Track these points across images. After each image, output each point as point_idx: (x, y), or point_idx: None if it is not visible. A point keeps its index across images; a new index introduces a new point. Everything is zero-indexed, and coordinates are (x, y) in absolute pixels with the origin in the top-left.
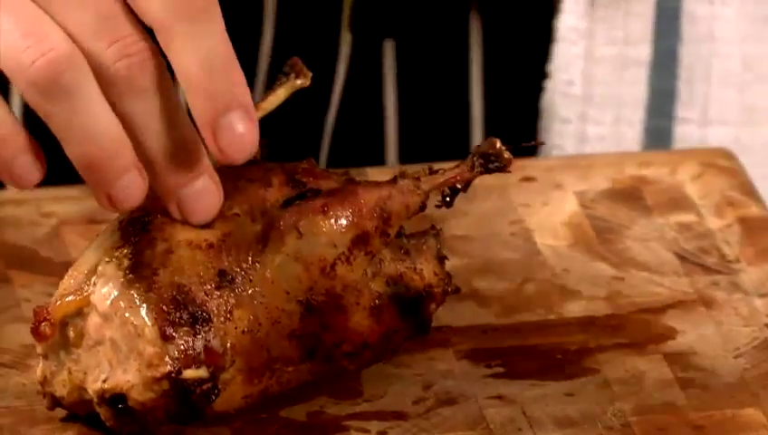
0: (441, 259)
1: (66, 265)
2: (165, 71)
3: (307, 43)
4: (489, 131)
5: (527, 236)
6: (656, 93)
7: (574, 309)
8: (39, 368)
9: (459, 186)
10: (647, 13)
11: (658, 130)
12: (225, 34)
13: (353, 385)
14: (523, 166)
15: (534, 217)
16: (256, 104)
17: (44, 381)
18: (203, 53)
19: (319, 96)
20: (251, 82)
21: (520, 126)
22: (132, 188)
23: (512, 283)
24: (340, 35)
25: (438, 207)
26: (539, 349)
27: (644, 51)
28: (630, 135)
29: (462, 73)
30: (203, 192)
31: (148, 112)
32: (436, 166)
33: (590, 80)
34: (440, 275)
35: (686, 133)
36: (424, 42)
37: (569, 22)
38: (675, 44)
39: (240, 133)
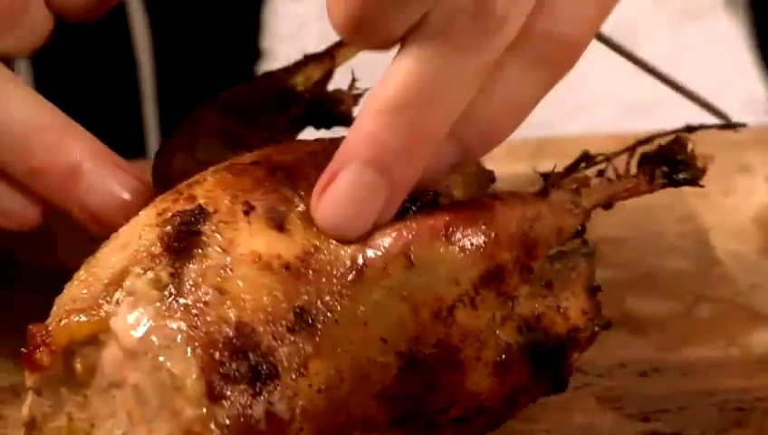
0: (593, 291)
1: (65, 270)
2: None
3: None
4: None
5: (701, 237)
6: None
7: (766, 341)
8: (26, 405)
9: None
10: None
11: None
12: None
13: None
14: (694, 139)
15: (712, 211)
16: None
17: (31, 425)
18: None
19: None
20: None
21: None
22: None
23: (679, 303)
24: None
25: None
26: (716, 396)
27: None
28: None
29: None
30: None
31: None
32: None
33: None
34: (589, 314)
35: None
36: None
37: None
38: None
39: None
